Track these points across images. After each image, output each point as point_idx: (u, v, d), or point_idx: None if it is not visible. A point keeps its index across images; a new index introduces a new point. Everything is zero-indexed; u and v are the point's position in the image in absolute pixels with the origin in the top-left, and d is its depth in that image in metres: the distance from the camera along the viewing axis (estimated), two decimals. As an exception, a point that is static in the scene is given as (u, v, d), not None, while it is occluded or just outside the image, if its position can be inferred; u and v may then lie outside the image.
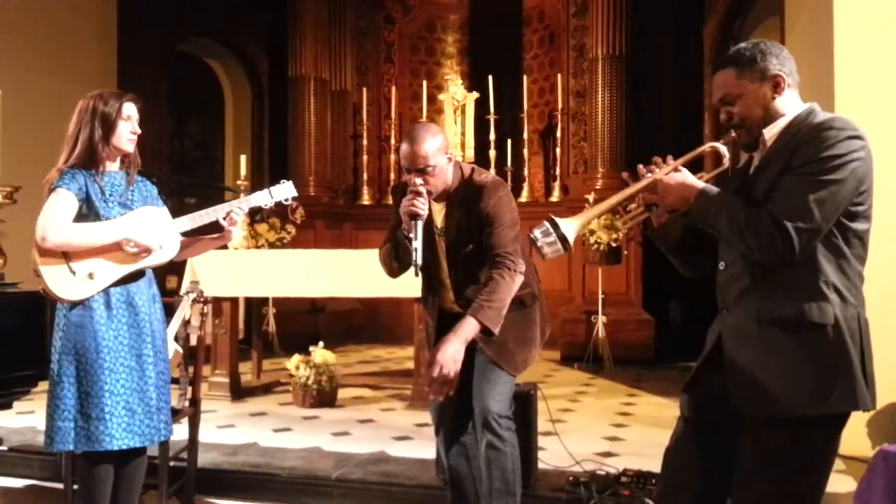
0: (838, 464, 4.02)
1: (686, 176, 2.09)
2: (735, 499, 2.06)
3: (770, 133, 2.06)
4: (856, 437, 4.11)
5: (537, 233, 2.06)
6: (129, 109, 2.90)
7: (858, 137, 1.95)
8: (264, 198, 3.13)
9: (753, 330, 2.00)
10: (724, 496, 2.10)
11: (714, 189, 2.05)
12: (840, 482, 3.75)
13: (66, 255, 2.78)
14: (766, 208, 1.92)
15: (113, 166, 2.92)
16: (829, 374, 1.92)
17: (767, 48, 2.08)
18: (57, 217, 2.75)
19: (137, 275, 2.90)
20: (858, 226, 1.99)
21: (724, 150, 2.15)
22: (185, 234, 2.98)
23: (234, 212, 3.00)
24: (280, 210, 6.77)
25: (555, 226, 2.04)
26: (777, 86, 2.05)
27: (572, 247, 2.07)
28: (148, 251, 2.86)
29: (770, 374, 1.96)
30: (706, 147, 2.21)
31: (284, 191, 3.19)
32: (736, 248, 2.02)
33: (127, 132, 2.88)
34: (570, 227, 2.04)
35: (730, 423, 2.05)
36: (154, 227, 2.88)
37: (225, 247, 3.31)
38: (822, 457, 1.98)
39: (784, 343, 1.95)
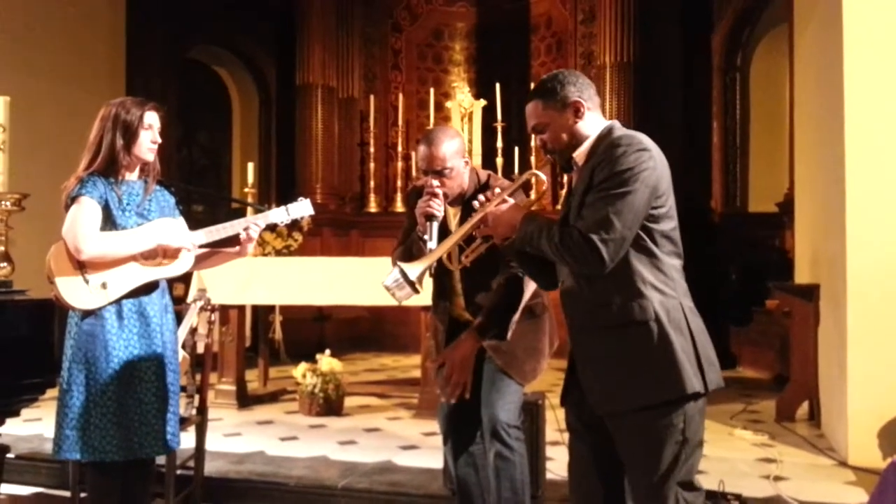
0: (849, 475, 4.00)
1: (511, 207, 2.29)
2: (629, 495, 2.24)
3: (579, 154, 2.26)
4: (866, 447, 4.08)
5: (389, 281, 2.24)
6: (151, 118, 2.89)
7: (645, 150, 2.14)
8: (281, 215, 3.11)
9: (589, 335, 2.22)
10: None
11: (532, 217, 2.25)
12: (851, 494, 3.72)
13: (82, 265, 2.77)
14: (575, 225, 2.12)
15: (132, 175, 2.92)
16: (656, 365, 2.11)
17: (565, 78, 2.28)
18: (87, 227, 2.75)
19: (151, 286, 2.90)
20: (663, 226, 2.18)
21: (542, 176, 2.42)
22: (200, 246, 2.98)
23: (251, 228, 2.98)
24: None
25: (403, 274, 2.23)
26: (577, 111, 2.25)
27: (421, 287, 2.26)
28: (178, 252, 2.86)
29: (607, 373, 2.17)
30: (528, 175, 2.46)
31: (301, 209, 3.18)
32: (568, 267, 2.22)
33: (148, 141, 2.88)
34: (416, 271, 2.24)
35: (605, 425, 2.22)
36: (170, 237, 2.88)
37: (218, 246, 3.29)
38: (686, 438, 2.13)
39: (614, 343, 2.16)
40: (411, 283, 2.21)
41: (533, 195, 2.44)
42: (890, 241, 4.16)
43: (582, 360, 2.26)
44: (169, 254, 2.86)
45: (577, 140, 2.26)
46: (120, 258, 2.79)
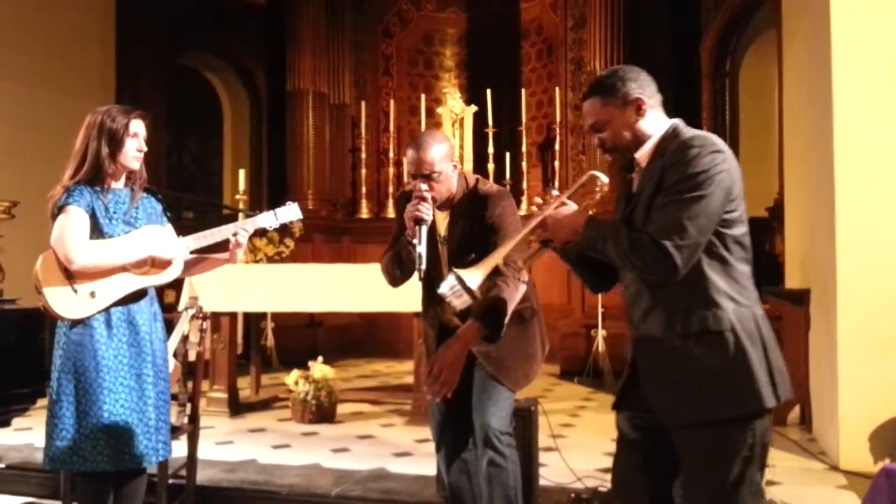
0: (840, 479, 4.01)
1: (571, 208, 2.20)
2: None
3: (642, 154, 2.18)
4: (858, 451, 4.10)
5: (446, 289, 2.16)
6: (137, 127, 2.88)
7: (719, 151, 2.05)
8: (269, 220, 3.10)
9: (658, 344, 2.11)
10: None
11: (597, 219, 2.17)
12: (842, 498, 3.74)
13: (70, 274, 2.76)
14: (645, 230, 2.04)
15: (118, 183, 2.91)
16: (731, 378, 2.03)
17: (626, 74, 2.19)
18: (77, 237, 2.74)
19: (139, 294, 2.89)
20: (736, 231, 2.09)
21: (603, 177, 2.25)
22: (190, 252, 2.97)
23: (239, 233, 2.97)
24: (280, 225, 6.75)
25: (460, 280, 2.14)
26: (639, 109, 2.16)
27: (478, 294, 2.18)
28: (169, 263, 2.85)
29: (678, 384, 2.07)
30: (587, 176, 2.30)
31: (289, 213, 3.17)
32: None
33: (133, 149, 2.87)
34: (475, 278, 2.15)
35: (667, 433, 2.14)
36: (161, 245, 2.87)
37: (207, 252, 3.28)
38: (754, 453, 2.05)
39: (686, 353, 2.06)
40: (469, 290, 2.13)
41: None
42: (880, 245, 4.19)
43: (648, 369, 2.16)
44: (160, 264, 2.85)
45: (639, 139, 2.18)
46: (110, 268, 2.78)
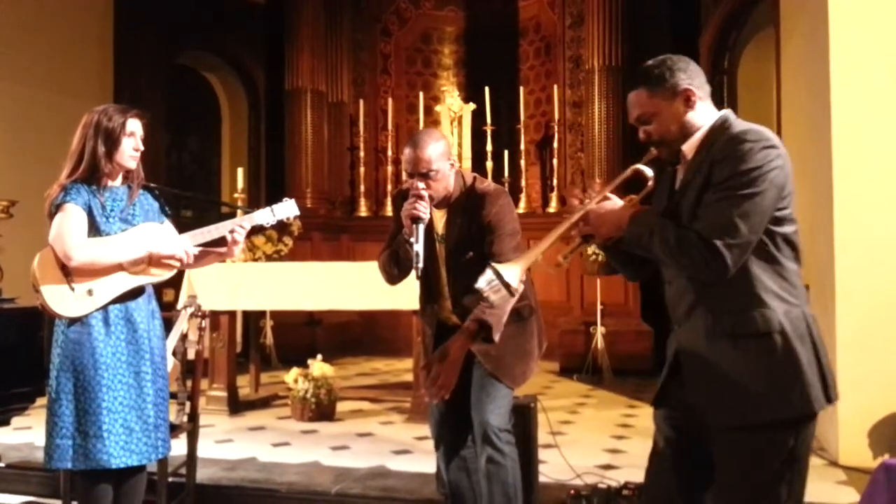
0: (839, 474, 4.02)
1: (615, 203, 2.12)
2: None
3: (689, 147, 2.10)
4: (857, 446, 4.11)
5: (482, 283, 2.05)
6: (134, 126, 2.89)
7: (773, 146, 1.98)
8: (266, 216, 3.12)
9: (704, 344, 2.05)
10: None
11: (643, 214, 2.08)
12: (842, 493, 3.74)
13: (67, 272, 2.77)
14: (694, 228, 1.96)
15: (115, 182, 2.91)
16: (780, 380, 1.97)
17: (675, 64, 2.10)
18: (75, 235, 2.75)
19: (137, 291, 2.89)
20: (786, 229, 2.02)
21: (648, 171, 2.17)
22: None
23: (236, 230, 2.98)
24: (277, 223, 6.76)
25: (498, 274, 2.04)
26: (688, 100, 2.08)
27: (516, 289, 2.07)
28: (173, 258, 2.85)
29: (725, 385, 2.01)
30: (631, 170, 2.21)
31: (287, 209, 3.18)
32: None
33: (130, 149, 2.87)
34: (513, 272, 2.06)
35: (704, 433, 2.09)
36: (159, 243, 2.88)
37: (223, 259, 3.30)
38: (796, 457, 2.00)
39: (734, 354, 2.00)
40: (507, 286, 2.04)
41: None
42: (877, 242, 4.19)
43: (693, 368, 2.09)
44: (158, 261, 2.85)
45: (687, 131, 2.09)
46: (108, 265, 2.79)
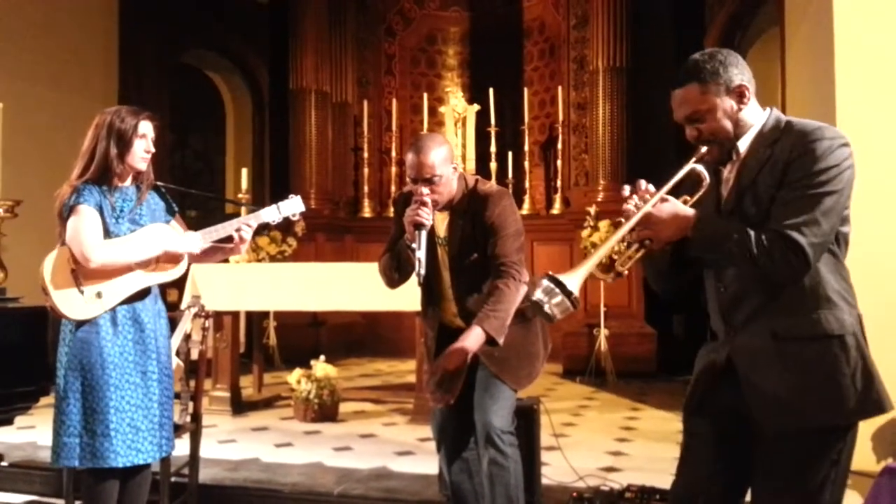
0: (843, 478, 4.00)
1: (676, 205, 2.01)
2: None
3: (743, 144, 2.03)
4: (860, 450, 4.07)
5: (540, 294, 1.88)
6: (146, 128, 2.90)
7: (847, 144, 1.95)
8: (273, 214, 3.14)
9: (771, 348, 1.97)
10: None
11: (708, 216, 2.01)
12: (846, 497, 3.71)
13: (76, 275, 2.78)
14: (772, 227, 1.90)
15: (125, 183, 2.93)
16: (856, 383, 1.93)
17: (726, 58, 2.02)
18: (92, 236, 2.76)
19: (144, 292, 2.91)
20: (846, 229, 2.00)
21: (704, 171, 2.06)
22: None
23: (243, 229, 3.00)
24: (281, 223, 6.78)
25: (558, 283, 1.88)
26: (742, 96, 2.01)
27: (577, 299, 1.90)
28: (181, 258, 2.88)
29: (794, 388, 1.94)
30: (686, 169, 2.08)
31: (292, 206, 3.20)
32: (737, 270, 2.00)
33: (141, 150, 2.89)
34: (574, 282, 1.89)
35: (745, 439, 2.04)
36: (171, 241, 2.90)
37: (226, 260, 3.32)
38: (845, 463, 1.99)
39: (804, 357, 1.94)
40: (569, 295, 1.88)
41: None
42: (881, 242, 4.17)
43: (754, 375, 2.00)
44: (169, 260, 2.87)
45: (740, 129, 2.02)
46: (125, 265, 2.80)
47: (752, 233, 1.91)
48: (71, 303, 2.77)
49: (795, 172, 1.91)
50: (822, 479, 1.95)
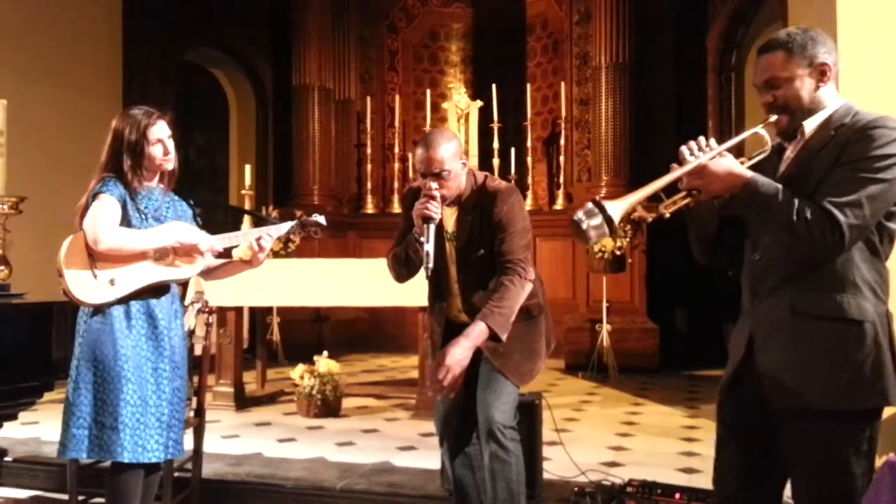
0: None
1: (732, 163, 2.04)
2: (795, 500, 2.07)
3: (810, 125, 2.07)
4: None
5: (581, 214, 1.91)
6: (159, 132, 2.90)
7: None
8: (295, 227, 3.13)
9: (787, 320, 2.00)
10: (778, 498, 2.14)
11: (761, 178, 2.01)
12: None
13: (92, 259, 2.79)
14: (817, 201, 1.92)
15: (151, 183, 2.94)
16: (865, 371, 1.94)
17: (818, 36, 2.06)
18: (107, 221, 2.77)
19: (161, 290, 2.91)
20: (893, 225, 2.01)
21: (767, 136, 2.11)
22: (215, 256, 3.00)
23: (263, 238, 2.98)
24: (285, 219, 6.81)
25: (601, 207, 1.92)
26: (823, 74, 2.05)
27: (617, 226, 1.95)
28: (193, 250, 2.87)
29: (802, 366, 1.97)
30: (751, 131, 2.15)
31: (315, 222, 3.21)
32: (775, 239, 2.03)
33: (160, 154, 2.90)
34: (617, 209, 1.92)
35: (771, 426, 2.06)
36: (186, 234, 2.90)
37: (230, 256, 3.31)
38: (868, 450, 1.99)
39: (818, 336, 1.97)
40: (609, 220, 1.90)
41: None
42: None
43: (767, 345, 2.04)
44: (184, 251, 2.87)
45: (814, 106, 2.05)
46: (134, 253, 2.81)
47: (796, 200, 1.93)
48: (83, 286, 2.78)
49: (850, 154, 1.94)
50: (850, 468, 1.97)
